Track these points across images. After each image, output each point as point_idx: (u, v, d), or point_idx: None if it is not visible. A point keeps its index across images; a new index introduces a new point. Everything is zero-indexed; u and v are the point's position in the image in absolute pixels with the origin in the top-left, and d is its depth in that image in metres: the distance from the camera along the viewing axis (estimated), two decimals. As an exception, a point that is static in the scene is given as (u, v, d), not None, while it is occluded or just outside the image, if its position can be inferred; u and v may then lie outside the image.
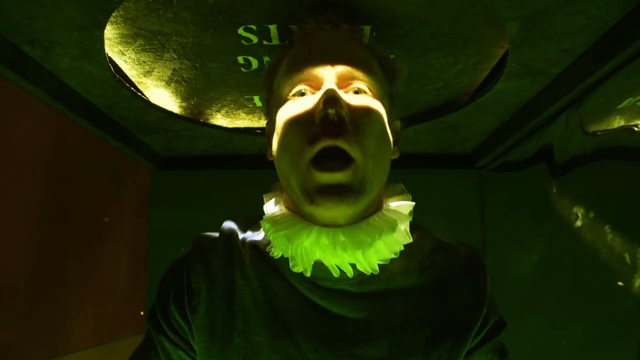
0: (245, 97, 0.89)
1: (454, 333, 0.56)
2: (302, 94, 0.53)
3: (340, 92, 0.51)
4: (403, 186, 0.62)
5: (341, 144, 0.48)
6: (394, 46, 0.69)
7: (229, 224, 0.63)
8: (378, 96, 0.55)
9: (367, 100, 0.53)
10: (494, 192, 1.32)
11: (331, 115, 0.48)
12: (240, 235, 0.61)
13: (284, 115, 0.53)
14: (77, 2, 0.57)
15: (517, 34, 0.63)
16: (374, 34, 0.65)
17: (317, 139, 0.48)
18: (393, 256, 0.55)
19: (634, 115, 0.99)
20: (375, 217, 0.54)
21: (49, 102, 0.82)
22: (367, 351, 0.54)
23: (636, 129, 1.04)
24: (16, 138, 0.77)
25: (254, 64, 0.74)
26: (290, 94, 0.54)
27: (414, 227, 0.60)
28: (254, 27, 0.63)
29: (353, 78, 0.53)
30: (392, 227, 0.53)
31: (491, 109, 0.93)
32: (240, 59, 0.72)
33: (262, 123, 1.03)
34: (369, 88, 0.54)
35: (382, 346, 0.54)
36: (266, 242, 0.59)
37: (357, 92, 0.53)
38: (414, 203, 0.57)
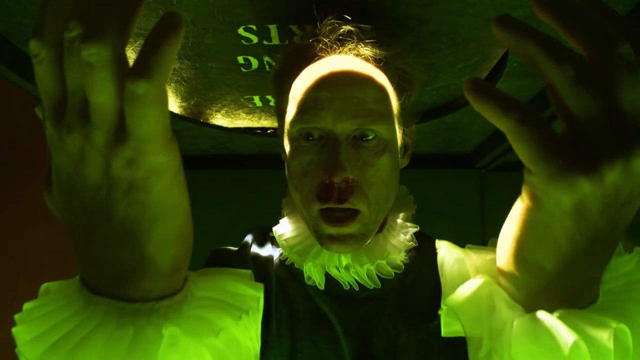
0: (245, 97, 0.89)
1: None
2: (310, 134, 0.52)
3: (348, 140, 0.51)
4: (406, 189, 0.64)
5: (347, 205, 0.51)
6: (394, 46, 0.69)
7: (245, 239, 0.67)
8: (390, 128, 0.54)
9: (376, 148, 0.52)
10: (494, 192, 1.32)
11: (337, 184, 0.50)
12: (254, 249, 0.64)
13: (293, 157, 0.54)
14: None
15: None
16: (374, 33, 0.65)
17: (325, 201, 0.50)
18: (397, 271, 0.58)
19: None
20: (379, 237, 0.58)
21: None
22: (379, 343, 0.57)
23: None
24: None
25: (254, 64, 0.73)
26: (297, 133, 0.53)
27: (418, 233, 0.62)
28: (254, 27, 0.63)
29: (362, 125, 0.51)
30: (397, 250, 0.57)
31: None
32: (240, 59, 0.72)
33: (262, 123, 1.03)
34: (380, 129, 0.52)
35: (393, 338, 0.57)
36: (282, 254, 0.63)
37: (365, 135, 0.52)
38: (417, 227, 0.60)
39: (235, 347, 0.33)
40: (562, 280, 0.29)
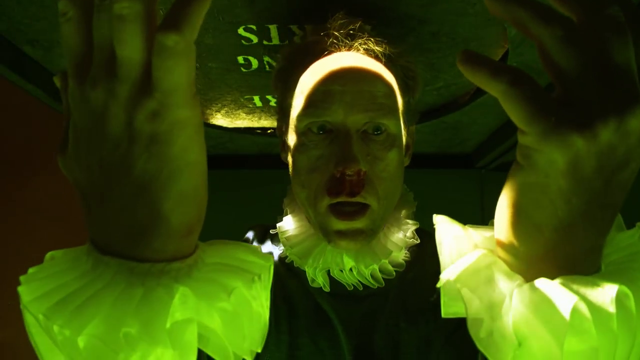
0: (245, 97, 0.89)
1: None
2: (320, 128, 0.52)
3: (359, 134, 0.51)
4: (405, 186, 0.64)
5: (358, 199, 0.51)
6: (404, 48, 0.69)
7: (246, 235, 0.67)
8: (398, 123, 0.54)
9: (385, 142, 0.53)
10: (494, 192, 1.31)
11: (350, 177, 0.50)
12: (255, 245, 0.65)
13: (300, 152, 0.53)
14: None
15: (517, 34, 0.63)
16: (374, 34, 0.65)
17: (336, 195, 0.50)
18: (398, 269, 0.58)
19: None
20: (381, 236, 0.58)
21: (49, 102, 0.82)
22: (379, 340, 0.57)
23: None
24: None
25: (254, 64, 0.73)
26: (306, 127, 0.53)
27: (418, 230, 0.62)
28: (254, 27, 0.63)
29: (374, 118, 0.51)
30: (398, 248, 0.57)
31: (491, 109, 0.93)
32: (240, 59, 0.72)
33: (262, 123, 1.03)
34: (390, 124, 0.53)
35: (394, 335, 0.57)
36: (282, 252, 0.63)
37: (376, 129, 0.52)
38: (417, 224, 0.60)
39: (247, 309, 0.32)
40: (561, 247, 0.29)
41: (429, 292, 0.57)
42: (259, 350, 0.33)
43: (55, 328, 0.26)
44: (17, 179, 0.79)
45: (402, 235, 0.58)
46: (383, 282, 0.57)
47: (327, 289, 0.57)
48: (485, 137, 1.17)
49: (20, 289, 0.29)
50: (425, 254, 0.61)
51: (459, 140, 1.20)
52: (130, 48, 0.25)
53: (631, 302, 0.26)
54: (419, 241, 0.59)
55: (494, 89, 0.27)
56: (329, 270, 0.58)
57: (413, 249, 0.61)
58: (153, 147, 0.27)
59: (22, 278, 0.29)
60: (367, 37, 0.55)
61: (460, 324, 0.56)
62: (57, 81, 0.30)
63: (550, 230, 0.29)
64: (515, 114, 0.27)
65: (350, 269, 0.56)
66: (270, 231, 0.64)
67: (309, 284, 0.59)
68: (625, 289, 0.26)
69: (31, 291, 0.28)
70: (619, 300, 0.26)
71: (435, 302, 0.58)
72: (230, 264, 0.33)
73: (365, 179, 0.50)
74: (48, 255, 0.31)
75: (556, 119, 0.26)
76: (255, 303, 0.33)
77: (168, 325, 0.27)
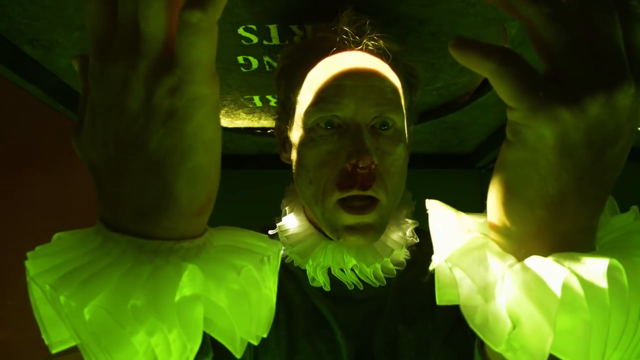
0: (245, 97, 0.88)
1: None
2: (329, 122, 0.52)
3: (368, 129, 0.52)
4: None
5: (370, 193, 0.51)
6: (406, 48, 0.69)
7: None
8: (404, 119, 0.55)
9: (393, 137, 0.53)
10: (494, 192, 1.31)
11: (361, 170, 0.50)
12: None
13: (309, 148, 0.53)
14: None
15: (517, 34, 0.63)
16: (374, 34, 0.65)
17: (348, 189, 0.50)
18: (399, 268, 0.58)
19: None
20: (384, 235, 0.58)
21: (49, 102, 0.82)
22: (378, 343, 0.57)
23: (637, 128, 1.05)
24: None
25: (254, 64, 0.73)
26: (315, 122, 0.53)
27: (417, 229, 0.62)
28: (254, 27, 0.63)
29: (383, 113, 0.52)
30: (399, 246, 0.57)
31: (491, 109, 0.93)
32: (240, 59, 0.72)
33: (262, 123, 1.03)
34: (397, 119, 0.53)
35: (393, 337, 0.57)
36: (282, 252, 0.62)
37: (384, 124, 0.53)
38: (417, 223, 0.60)
39: (256, 290, 0.32)
40: (552, 225, 0.29)
41: (428, 292, 0.57)
42: (265, 336, 0.33)
43: (62, 299, 0.26)
44: (16, 178, 0.79)
45: (402, 234, 0.58)
46: (385, 281, 0.57)
47: (327, 288, 0.57)
48: (485, 137, 1.17)
49: (27, 262, 0.28)
50: (423, 254, 0.61)
51: (459, 140, 1.20)
52: (154, 24, 0.26)
53: (623, 277, 0.26)
54: (418, 240, 0.59)
55: (484, 69, 0.27)
56: (329, 270, 0.58)
57: (412, 249, 0.61)
58: (170, 123, 0.27)
59: (29, 254, 0.29)
60: (376, 34, 0.55)
61: (457, 323, 0.56)
62: (75, 64, 0.31)
63: (541, 207, 0.29)
64: (504, 90, 0.27)
65: (352, 268, 0.56)
66: (270, 232, 0.64)
67: (309, 284, 0.58)
68: (616, 262, 0.26)
69: (38, 265, 0.28)
70: (611, 274, 0.26)
71: (433, 302, 0.58)
72: (239, 247, 0.33)
73: (376, 173, 0.51)
74: (55, 235, 0.31)
75: (544, 94, 0.26)
76: (263, 285, 0.33)
77: (177, 299, 0.27)
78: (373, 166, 0.50)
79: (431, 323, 0.57)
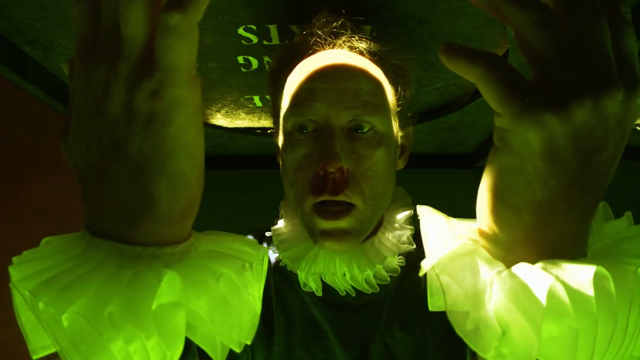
0: (245, 97, 0.89)
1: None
2: (303, 127, 0.52)
3: (343, 132, 0.51)
4: (404, 190, 0.63)
5: (341, 198, 0.50)
6: (394, 46, 0.69)
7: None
8: (385, 121, 0.53)
9: (372, 140, 0.52)
10: (494, 192, 1.31)
11: (332, 175, 0.49)
12: None
13: (287, 152, 0.53)
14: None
15: (517, 34, 0.63)
16: (374, 34, 0.65)
17: (319, 193, 0.49)
18: (393, 275, 0.57)
19: (635, 114, 0.99)
20: (375, 240, 0.57)
21: (49, 102, 0.82)
22: (376, 351, 0.56)
23: (638, 128, 1.04)
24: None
25: (254, 64, 0.73)
26: (292, 126, 0.53)
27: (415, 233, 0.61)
28: (254, 27, 0.63)
29: (358, 116, 0.51)
30: (392, 253, 0.56)
31: (491, 109, 0.93)
32: (240, 59, 0.72)
33: (262, 123, 1.03)
34: (375, 121, 0.52)
35: (391, 345, 0.56)
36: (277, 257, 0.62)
37: (360, 127, 0.51)
38: (413, 230, 0.59)
39: (237, 297, 0.32)
40: (541, 232, 0.28)
41: (426, 298, 0.57)
42: (248, 342, 0.33)
43: (41, 305, 0.26)
44: (16, 179, 0.79)
45: (396, 240, 0.57)
46: (378, 288, 0.56)
47: (319, 293, 0.56)
48: (485, 137, 1.17)
49: (10, 268, 0.29)
50: (421, 260, 0.61)
51: (458, 140, 1.20)
52: (134, 27, 0.26)
53: (610, 285, 0.26)
54: (414, 246, 0.58)
55: (471, 74, 0.27)
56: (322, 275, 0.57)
57: (410, 254, 0.60)
58: (150, 127, 0.27)
59: (14, 259, 0.29)
60: (350, 34, 0.54)
61: (453, 329, 0.56)
62: (65, 67, 0.31)
63: (528, 214, 0.28)
64: (490, 95, 0.27)
65: (344, 274, 0.55)
66: (266, 234, 0.64)
67: (302, 289, 0.58)
68: (603, 270, 0.26)
69: (21, 271, 0.28)
70: (598, 282, 0.25)
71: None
72: (222, 252, 0.33)
73: (350, 178, 0.49)
74: (44, 240, 0.32)
75: (530, 100, 0.26)
76: (245, 291, 0.32)
77: (154, 307, 0.27)
78: (345, 170, 0.49)
79: (429, 328, 0.56)
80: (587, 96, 0.25)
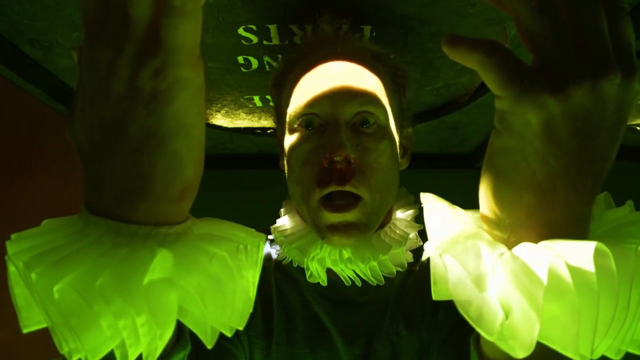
0: (245, 97, 0.89)
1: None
2: (309, 123, 0.53)
3: (348, 126, 0.51)
4: (405, 190, 0.64)
5: (348, 188, 0.49)
6: (394, 46, 0.69)
7: None
8: (387, 116, 0.54)
9: (376, 133, 0.52)
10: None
11: (338, 165, 0.49)
12: None
13: (293, 149, 0.53)
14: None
15: (517, 34, 0.63)
16: (374, 34, 0.65)
17: (326, 185, 0.49)
18: (399, 269, 0.57)
19: (635, 114, 0.99)
20: (381, 233, 0.56)
21: (49, 102, 0.82)
22: (380, 349, 0.56)
23: (638, 128, 1.04)
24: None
25: (254, 64, 0.73)
26: (297, 123, 0.53)
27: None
28: (254, 27, 0.63)
29: (362, 106, 0.52)
30: (398, 244, 0.55)
31: (491, 109, 0.93)
32: (240, 59, 0.72)
33: (262, 123, 1.03)
34: (378, 113, 0.53)
35: (395, 343, 0.56)
36: (279, 253, 0.62)
37: (365, 121, 0.52)
38: (421, 226, 0.59)
39: (230, 279, 0.32)
40: (541, 212, 0.29)
41: (430, 296, 0.57)
42: (240, 328, 0.33)
43: (33, 276, 0.27)
44: (16, 179, 0.79)
45: (402, 233, 0.57)
46: (383, 280, 0.55)
47: (324, 283, 0.56)
48: (485, 137, 1.17)
49: (7, 242, 0.29)
50: (426, 259, 0.60)
51: (458, 140, 1.20)
52: (140, 8, 0.26)
53: (611, 262, 0.26)
54: (421, 243, 0.58)
55: (472, 61, 0.28)
56: (328, 270, 0.57)
57: (415, 253, 0.60)
58: (152, 105, 0.27)
59: (13, 235, 0.30)
60: (351, 35, 0.56)
61: (457, 325, 0.55)
62: (74, 54, 0.31)
63: (529, 194, 0.29)
64: (490, 79, 0.27)
65: (348, 260, 0.54)
66: (269, 238, 0.63)
67: (308, 287, 0.58)
68: (603, 247, 0.26)
69: (17, 245, 0.29)
70: (599, 259, 0.26)
71: (436, 306, 0.57)
72: (218, 235, 0.33)
73: (356, 168, 0.50)
74: (44, 221, 0.32)
75: (530, 82, 0.26)
76: (239, 274, 0.32)
77: (145, 282, 0.27)
78: (352, 160, 0.49)
79: (433, 326, 0.56)
80: (585, 78, 0.26)
